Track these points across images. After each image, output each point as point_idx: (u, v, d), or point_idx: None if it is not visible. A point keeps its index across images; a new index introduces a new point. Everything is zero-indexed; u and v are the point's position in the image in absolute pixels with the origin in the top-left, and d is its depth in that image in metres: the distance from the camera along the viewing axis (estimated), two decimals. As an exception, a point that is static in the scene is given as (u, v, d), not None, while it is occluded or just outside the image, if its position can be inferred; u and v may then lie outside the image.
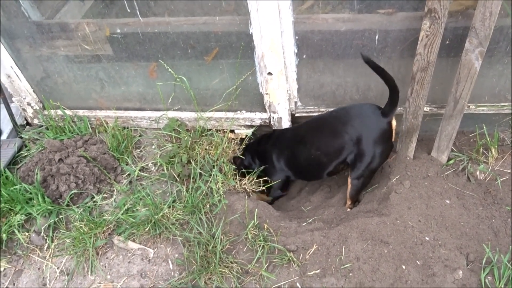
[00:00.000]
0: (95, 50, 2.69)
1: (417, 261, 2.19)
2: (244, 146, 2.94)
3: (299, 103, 2.75)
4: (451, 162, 2.65)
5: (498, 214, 2.43)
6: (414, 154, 2.66)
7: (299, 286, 2.18)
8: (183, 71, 2.68)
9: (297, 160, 2.65)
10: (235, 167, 2.83)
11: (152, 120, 2.96)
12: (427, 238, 2.26)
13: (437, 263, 2.18)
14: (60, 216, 2.56)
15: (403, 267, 2.17)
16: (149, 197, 2.55)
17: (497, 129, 2.74)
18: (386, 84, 2.20)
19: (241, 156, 2.89)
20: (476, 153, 2.69)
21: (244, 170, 2.82)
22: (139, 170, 2.79)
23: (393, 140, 2.42)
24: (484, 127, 2.62)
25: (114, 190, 2.73)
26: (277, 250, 2.29)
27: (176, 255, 2.38)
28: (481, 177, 2.65)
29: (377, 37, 2.34)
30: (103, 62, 2.73)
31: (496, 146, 2.64)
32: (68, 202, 2.58)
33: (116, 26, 2.54)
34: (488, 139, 2.62)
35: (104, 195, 2.70)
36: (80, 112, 3.04)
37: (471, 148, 2.77)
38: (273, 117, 2.79)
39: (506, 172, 2.64)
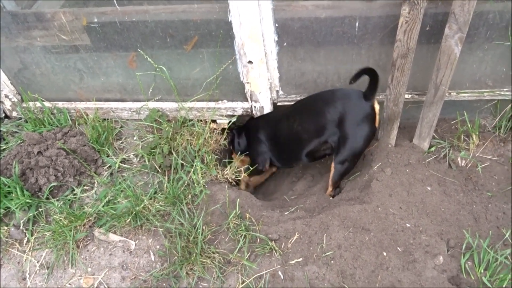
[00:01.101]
0: (72, 40, 2.63)
1: (398, 248, 2.20)
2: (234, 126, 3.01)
3: (280, 92, 2.73)
4: (433, 149, 2.65)
5: (478, 200, 2.45)
6: (396, 142, 2.66)
7: (281, 275, 2.17)
8: (162, 60, 2.64)
9: (277, 137, 2.68)
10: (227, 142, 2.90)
11: (133, 111, 2.92)
12: (408, 225, 2.27)
13: (417, 249, 2.19)
14: (40, 210, 2.52)
15: (384, 253, 2.17)
16: (130, 188, 2.52)
17: (478, 115, 2.75)
18: (367, 74, 2.21)
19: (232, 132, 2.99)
20: (457, 140, 2.70)
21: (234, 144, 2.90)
22: (120, 162, 2.76)
23: (376, 125, 2.41)
24: (465, 114, 2.63)
25: (94, 182, 2.69)
26: (259, 240, 2.29)
27: (158, 247, 2.36)
28: (463, 164, 2.66)
29: (357, 24, 2.32)
30: (81, 53, 2.68)
31: (477, 133, 2.66)
32: (48, 195, 2.54)
33: (93, 15, 2.49)
34: (469, 125, 2.63)
35: (85, 187, 2.67)
36: (60, 104, 2.99)
37: (453, 135, 2.78)
38: (255, 107, 2.77)
39: (487, 158, 2.65)
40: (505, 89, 2.58)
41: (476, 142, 2.66)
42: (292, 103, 2.75)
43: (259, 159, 2.87)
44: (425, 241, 2.21)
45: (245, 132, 2.97)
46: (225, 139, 2.90)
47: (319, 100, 2.47)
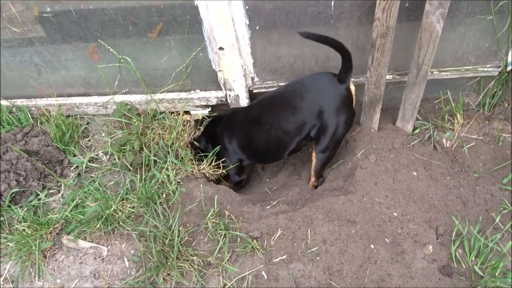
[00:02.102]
0: (25, 33, 2.40)
1: (386, 239, 2.09)
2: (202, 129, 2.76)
3: (256, 79, 2.57)
4: (417, 131, 2.54)
5: (466, 183, 2.36)
6: (378, 125, 2.54)
7: (265, 275, 2.05)
8: (126, 50, 2.44)
9: (254, 143, 2.47)
10: (193, 152, 2.65)
11: (99, 106, 2.72)
12: (395, 214, 2.16)
13: (406, 239, 2.09)
14: (1, 218, 2.33)
15: (372, 246, 2.07)
16: (99, 190, 2.35)
17: (462, 94, 2.64)
18: (336, 51, 2.05)
19: (195, 142, 2.71)
20: (441, 120, 2.59)
21: (202, 155, 2.64)
22: (88, 161, 2.57)
23: (354, 106, 2.28)
24: (449, 93, 2.51)
25: (61, 185, 2.51)
26: (239, 238, 2.15)
27: (132, 252, 2.21)
28: (448, 145, 2.56)
29: (333, 3, 2.16)
30: (36, 46, 2.46)
31: (462, 112, 2.55)
32: (9, 202, 2.35)
33: (45, 4, 2.26)
34: (453, 105, 2.52)
35: (50, 191, 2.48)
36: (19, 102, 2.77)
37: (437, 115, 2.67)
38: (229, 95, 2.60)
39: (472, 138, 2.56)
40: (488, 65, 2.47)
41: (461, 121, 2.55)
42: (269, 90, 2.60)
43: (235, 171, 2.69)
44: (413, 230, 2.11)
45: (210, 141, 2.70)
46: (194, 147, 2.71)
47: (291, 95, 2.28)
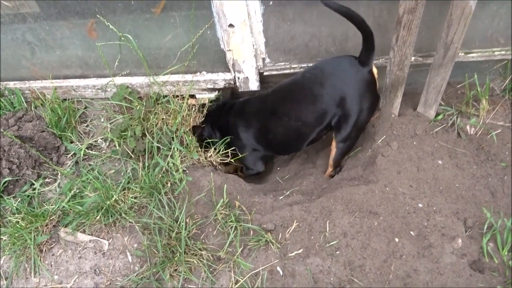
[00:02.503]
0: (17, 7, 2.20)
1: (411, 232, 1.93)
2: (205, 113, 2.57)
3: (267, 60, 2.39)
4: (440, 117, 2.37)
5: (493, 172, 2.20)
6: (398, 111, 2.37)
7: (280, 271, 1.89)
8: (128, 28, 2.24)
9: (272, 135, 2.30)
10: (195, 137, 2.47)
11: (98, 89, 2.53)
12: (421, 205, 2.00)
13: (433, 232, 1.93)
14: (-7, 209, 2.15)
15: (396, 240, 1.91)
16: (98, 179, 2.17)
17: (488, 77, 2.47)
18: (357, 28, 1.87)
19: (201, 125, 2.53)
20: (465, 106, 2.42)
21: (205, 142, 2.46)
22: (87, 148, 2.39)
23: (377, 89, 2.11)
24: (475, 76, 2.34)
25: (57, 174, 2.33)
26: (252, 231, 1.99)
27: (135, 245, 2.04)
28: (472, 132, 2.40)
29: (355, -25, 1.98)
30: (29, 22, 2.26)
31: (487, 97, 2.38)
32: (2, 192, 2.17)
33: (39, -25, 2.07)
34: (478, 89, 2.35)
35: (46, 180, 2.31)
36: (11, 84, 2.57)
37: (459, 100, 2.50)
38: (238, 78, 2.42)
39: (498, 125, 2.39)
40: (518, 47, 2.29)
41: (486, 107, 2.38)
42: (280, 72, 2.41)
43: (253, 162, 2.53)
44: (440, 223, 1.95)
45: (218, 129, 2.53)
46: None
47: (310, 83, 2.10)
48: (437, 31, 2.19)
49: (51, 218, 2.11)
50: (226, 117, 2.47)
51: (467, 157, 2.25)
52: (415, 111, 2.40)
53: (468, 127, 2.40)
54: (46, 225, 2.09)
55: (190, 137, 2.34)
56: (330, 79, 2.04)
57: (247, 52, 2.27)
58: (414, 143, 2.21)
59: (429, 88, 2.27)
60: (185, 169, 2.23)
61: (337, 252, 1.89)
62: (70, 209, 2.12)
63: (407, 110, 2.42)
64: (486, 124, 2.37)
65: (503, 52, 2.31)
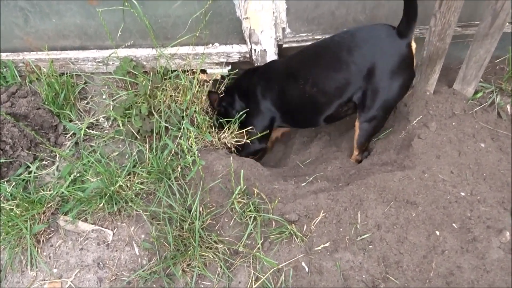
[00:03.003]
0: (7, -33, 1.95)
1: (453, 224, 1.72)
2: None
3: (288, 30, 2.14)
4: (479, 95, 2.13)
5: (540, 157, 1.97)
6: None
7: (305, 266, 1.69)
8: (132, -8, 1.99)
9: (286, 99, 2.08)
10: (210, 107, 2.24)
11: (99, 62, 2.29)
12: (463, 194, 1.78)
13: (477, 225, 1.72)
14: (-15, 195, 1.94)
15: (437, 233, 1.69)
16: (100, 163, 1.95)
17: (531, 51, 2.23)
18: None
19: (218, 93, 2.29)
20: (506, 83, 2.18)
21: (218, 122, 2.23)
22: (87, 128, 2.16)
23: (413, 66, 1.87)
24: (519, 49, 2.09)
25: (56, 155, 2.11)
26: (273, 222, 1.77)
27: (143, 236, 1.83)
28: (513, 112, 2.16)
29: None
30: (21, -15, 2.01)
31: (531, 73, 2.14)
32: (-6, 175, 1.96)
33: None
34: (523, 64, 2.11)
35: (43, 162, 2.09)
36: (3, 56, 2.33)
37: (498, 77, 2.26)
38: (255, 50, 2.18)
39: (543, 104, 2.16)
40: None
41: (530, 84, 2.14)
42: (301, 44, 2.17)
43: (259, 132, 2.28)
44: (485, 213, 1.74)
45: (239, 95, 2.29)
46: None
47: (337, 47, 1.87)
48: (481, -2, 1.95)
49: (49, 205, 1.90)
50: (249, 81, 2.24)
51: (510, 139, 2.02)
52: (450, 88, 2.17)
53: (508, 107, 2.17)
54: (43, 213, 1.88)
55: (201, 116, 2.11)
56: (360, 46, 1.80)
57: (266, 20, 2.02)
58: (453, 124, 1.98)
59: (469, 62, 2.02)
60: (197, 152, 2.01)
61: (370, 247, 1.68)
62: (70, 195, 1.90)
63: (441, 87, 2.18)
64: (529, 103, 2.14)
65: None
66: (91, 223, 1.87)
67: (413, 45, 1.82)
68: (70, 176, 1.97)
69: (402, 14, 1.72)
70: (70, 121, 2.21)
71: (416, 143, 1.89)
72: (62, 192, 1.91)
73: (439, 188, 1.78)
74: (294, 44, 2.19)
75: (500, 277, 1.62)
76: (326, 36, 2.13)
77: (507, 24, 2.01)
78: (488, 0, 1.78)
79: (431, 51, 1.95)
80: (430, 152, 1.86)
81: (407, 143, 1.93)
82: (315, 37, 2.15)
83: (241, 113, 2.15)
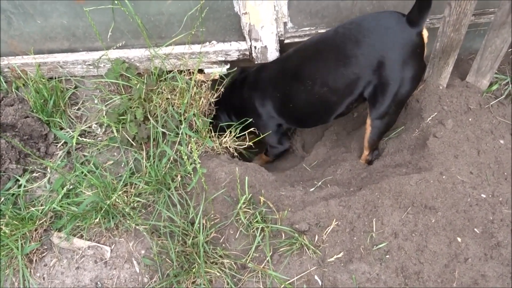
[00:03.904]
0: (-15, -33, 1.80)
1: (475, 229, 1.61)
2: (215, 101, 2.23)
3: (289, 24, 2.00)
4: (494, 87, 2.01)
5: (562, 152, 1.86)
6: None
7: (318, 280, 1.58)
8: (121, -11, 1.85)
9: (293, 104, 1.95)
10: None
11: (89, 65, 2.15)
12: (484, 196, 1.67)
13: (500, 228, 1.61)
14: (-28, 213, 1.81)
15: (459, 239, 1.58)
16: (95, 174, 1.83)
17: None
18: None
19: (214, 120, 2.19)
20: (523, 73, 2.06)
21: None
22: (79, 136, 2.03)
23: (424, 56, 1.74)
24: (540, 37, 1.96)
25: (47, 167, 1.98)
26: (282, 233, 1.66)
27: (143, 252, 1.71)
28: (530, 104, 2.04)
29: None
30: (1, -15, 1.86)
31: (549, 62, 2.02)
32: (-20, 191, 1.83)
33: None
34: (541, 53, 1.99)
35: (34, 175, 1.96)
36: (-13, 62, 2.19)
37: (514, 67, 2.14)
38: (255, 47, 2.04)
39: (561, 94, 2.04)
40: None
41: (548, 74, 2.02)
42: (304, 40, 2.04)
43: (275, 140, 2.20)
44: (508, 216, 1.63)
45: (233, 110, 2.21)
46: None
47: (343, 40, 1.73)
48: (497, -17, 1.81)
49: (41, 222, 1.77)
50: (239, 93, 2.11)
51: (529, 134, 1.90)
52: (463, 81, 2.04)
53: (525, 98, 2.05)
54: (35, 230, 1.76)
55: (200, 119, 1.98)
56: (368, 37, 1.67)
57: (266, 15, 1.89)
58: (470, 119, 1.86)
59: (484, 52, 1.90)
60: (197, 158, 1.88)
61: (387, 256, 1.57)
62: (64, 210, 1.78)
63: (453, 80, 2.06)
64: (547, 94, 2.02)
65: None
66: (87, 240, 1.75)
67: (425, 33, 1.68)
68: (62, 189, 1.84)
69: (412, 3, 1.59)
70: (61, 129, 2.07)
71: (431, 143, 1.76)
72: (55, 207, 1.79)
73: (459, 190, 1.66)
74: (296, 39, 2.05)
75: (528, 285, 1.51)
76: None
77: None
78: (506, -14, 1.65)
79: (445, 43, 1.82)
80: (447, 152, 1.74)
81: (422, 142, 1.81)
82: (319, 31, 2.01)
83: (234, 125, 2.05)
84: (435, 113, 1.85)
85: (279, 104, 2.01)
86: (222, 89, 2.24)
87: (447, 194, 1.65)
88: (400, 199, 1.65)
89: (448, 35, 1.78)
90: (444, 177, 1.68)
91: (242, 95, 2.09)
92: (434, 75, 1.96)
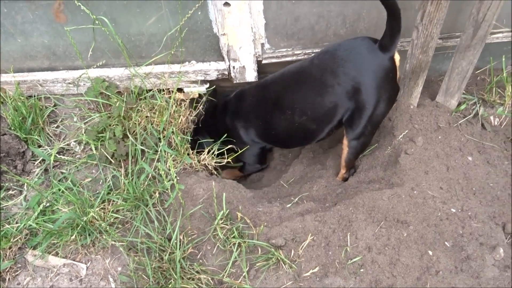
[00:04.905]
0: (-34, -14, 1.83)
1: (446, 243, 1.66)
2: (193, 128, 2.27)
3: (267, 45, 2.07)
4: (462, 107, 2.10)
5: (527, 168, 1.94)
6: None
7: (295, 294, 1.59)
8: (103, 9, 1.89)
9: (275, 131, 1.99)
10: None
11: (69, 83, 2.17)
12: (454, 210, 1.73)
13: (470, 242, 1.66)
14: None
15: (430, 252, 1.63)
16: (72, 191, 1.83)
17: (506, 61, 2.22)
18: (382, 3, 1.56)
19: (194, 143, 2.22)
20: (488, 94, 2.16)
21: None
22: (57, 153, 2.04)
23: (397, 79, 1.82)
24: (504, 60, 2.08)
25: (24, 184, 1.97)
26: (259, 248, 1.68)
27: (119, 269, 1.71)
28: (496, 123, 2.14)
29: None
30: (-18, 4, 1.89)
31: (512, 83, 2.13)
32: (-46, 209, 1.81)
33: None
34: (505, 75, 2.09)
35: (9, 192, 1.94)
36: (-35, 80, 2.19)
37: (480, 88, 2.24)
38: (233, 67, 2.10)
39: (525, 114, 2.14)
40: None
41: (512, 94, 2.13)
42: (281, 60, 2.10)
43: (254, 160, 2.29)
44: (477, 230, 1.69)
45: (215, 135, 2.22)
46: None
47: (320, 71, 1.78)
48: (461, 8, 1.92)
49: (16, 239, 1.75)
50: (222, 120, 2.16)
51: (496, 151, 1.98)
52: (433, 100, 2.13)
53: (492, 118, 2.14)
54: (9, 248, 1.74)
55: (179, 137, 2.01)
56: (343, 66, 1.73)
57: (244, 36, 1.95)
58: (439, 137, 1.93)
59: (452, 74, 1.99)
60: (175, 175, 1.90)
61: (361, 270, 1.60)
62: (39, 227, 1.77)
63: (424, 100, 2.14)
64: (512, 113, 2.12)
65: (532, 32, 2.06)
66: (63, 257, 1.74)
67: (397, 57, 1.77)
68: (39, 206, 1.82)
69: (383, 27, 1.67)
70: (39, 146, 2.07)
71: (403, 159, 1.83)
72: (30, 225, 1.77)
73: (429, 205, 1.72)
74: (274, 60, 2.12)
75: (497, 297, 1.56)
76: (306, 51, 2.08)
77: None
78: (469, 9, 1.75)
79: (414, 64, 1.90)
80: (418, 168, 1.80)
81: (394, 159, 1.87)
82: (295, 52, 2.09)
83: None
84: (406, 131, 1.92)
85: (261, 132, 2.06)
86: (202, 112, 2.29)
87: (418, 208, 1.70)
88: (374, 213, 1.69)
89: (417, 57, 1.87)
90: (415, 192, 1.74)
91: (225, 123, 2.14)
92: (405, 94, 2.04)
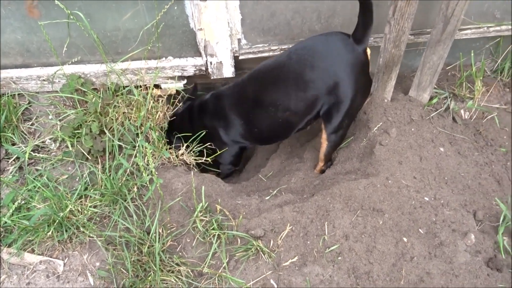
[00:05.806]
0: None
1: (420, 230, 1.71)
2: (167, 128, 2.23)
3: (243, 41, 2.09)
4: (434, 101, 2.17)
5: (495, 158, 2.03)
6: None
7: (274, 284, 1.61)
8: (78, 4, 1.88)
9: (258, 129, 2.00)
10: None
11: (43, 80, 2.14)
12: (427, 199, 1.78)
13: (443, 229, 1.71)
14: None
15: (405, 239, 1.67)
16: (48, 187, 1.80)
17: (478, 57, 2.30)
18: None
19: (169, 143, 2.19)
20: (459, 88, 2.24)
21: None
22: (32, 151, 2.00)
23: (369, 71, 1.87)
24: (472, 56, 2.16)
25: (-3, 182, 1.93)
26: (238, 239, 1.69)
27: (98, 264, 1.69)
28: (466, 116, 2.22)
29: None
30: (-48, -2, 1.85)
31: (481, 78, 2.21)
32: None
33: None
34: (474, 70, 2.17)
35: (-17, 190, 1.90)
36: None
37: (451, 83, 2.33)
38: (210, 62, 2.11)
39: (493, 107, 2.23)
40: (513, 22, 2.13)
41: (481, 89, 2.21)
42: (258, 56, 2.13)
43: (230, 160, 2.27)
44: (449, 217, 1.74)
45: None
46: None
47: (299, 66, 1.80)
48: (432, 5, 1.99)
49: (-10, 237, 1.72)
50: (200, 122, 2.14)
51: (467, 143, 2.06)
52: (406, 95, 2.19)
53: (462, 111, 2.22)
54: (-17, 246, 1.70)
55: (157, 132, 2.00)
56: (322, 61, 1.76)
57: (221, 31, 1.97)
58: (412, 129, 1.99)
59: (423, 68, 2.06)
60: (154, 170, 1.90)
61: (339, 258, 1.63)
62: (14, 224, 1.73)
63: (397, 94, 2.20)
64: (481, 107, 2.19)
65: (498, 28, 2.14)
66: (39, 254, 1.71)
67: (368, 50, 1.81)
68: (13, 204, 1.79)
69: (359, 19, 1.71)
70: (13, 144, 2.04)
71: (378, 150, 1.87)
72: (5, 222, 1.74)
73: (404, 194, 1.76)
74: (250, 56, 2.14)
75: (468, 281, 1.61)
76: (282, 46, 2.11)
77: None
78: (439, 5, 1.82)
79: (387, 58, 1.96)
80: (392, 158, 1.85)
81: (369, 150, 1.92)
82: (272, 47, 2.12)
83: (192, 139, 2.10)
84: (381, 123, 1.97)
85: (243, 130, 2.04)
86: (176, 113, 2.26)
87: (393, 197, 1.75)
88: (350, 203, 1.73)
89: (390, 51, 1.93)
90: (390, 181, 1.78)
91: (204, 124, 2.12)
92: (379, 89, 2.09)
